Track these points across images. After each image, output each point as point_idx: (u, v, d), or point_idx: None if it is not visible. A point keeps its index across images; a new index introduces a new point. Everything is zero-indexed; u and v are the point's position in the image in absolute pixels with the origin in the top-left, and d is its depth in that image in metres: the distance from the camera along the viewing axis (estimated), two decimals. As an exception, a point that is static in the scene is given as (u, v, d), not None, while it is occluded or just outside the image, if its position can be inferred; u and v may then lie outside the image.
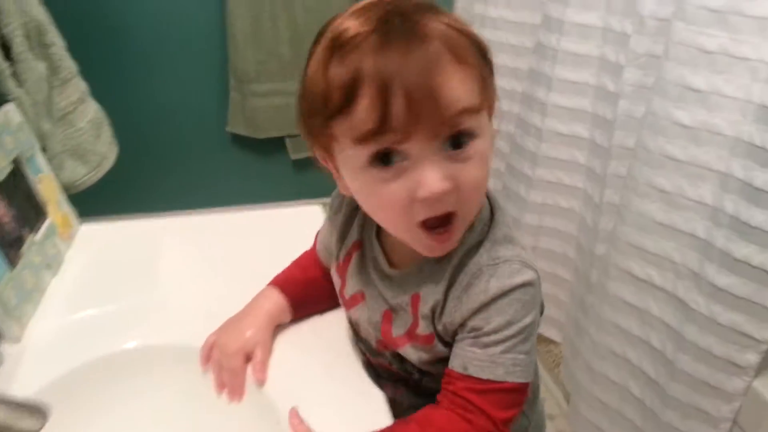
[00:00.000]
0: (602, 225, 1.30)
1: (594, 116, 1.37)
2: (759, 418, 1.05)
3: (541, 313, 0.63)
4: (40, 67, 0.85)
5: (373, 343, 0.68)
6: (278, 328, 0.72)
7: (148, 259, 0.82)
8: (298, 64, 1.92)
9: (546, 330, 1.65)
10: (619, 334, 1.25)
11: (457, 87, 0.50)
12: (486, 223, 0.61)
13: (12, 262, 0.69)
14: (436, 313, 0.60)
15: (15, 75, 0.81)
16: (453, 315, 0.59)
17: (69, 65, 0.94)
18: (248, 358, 0.68)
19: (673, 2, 1.06)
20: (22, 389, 0.61)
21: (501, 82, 1.64)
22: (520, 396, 0.59)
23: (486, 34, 1.64)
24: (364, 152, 0.51)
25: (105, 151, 0.98)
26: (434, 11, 0.54)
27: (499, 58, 1.45)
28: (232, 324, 0.70)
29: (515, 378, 0.57)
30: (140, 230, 0.88)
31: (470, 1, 1.68)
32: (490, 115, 0.57)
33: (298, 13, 1.81)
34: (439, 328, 0.61)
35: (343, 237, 0.67)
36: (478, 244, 0.60)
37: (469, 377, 0.57)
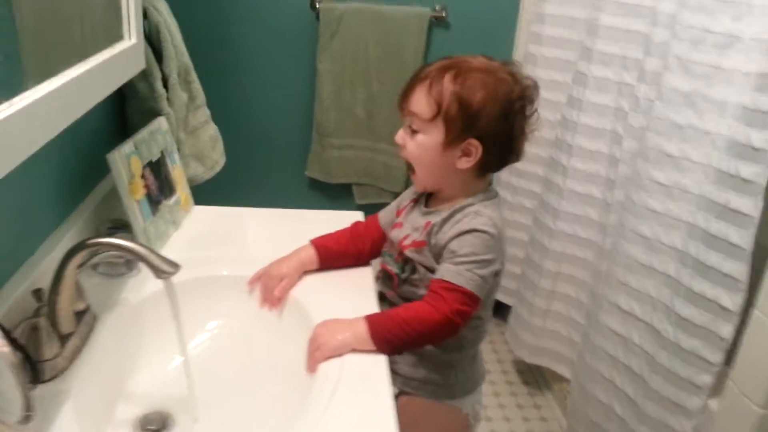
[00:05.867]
0: (604, 267, 1.54)
1: (606, 179, 1.63)
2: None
3: (501, 268, 0.97)
4: (183, 96, 1.23)
5: (392, 253, 1.04)
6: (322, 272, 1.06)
7: (236, 229, 1.20)
8: (369, 125, 2.28)
9: (559, 368, 1.86)
10: (607, 359, 1.46)
11: (413, 102, 0.95)
12: (481, 199, 0.98)
13: (153, 212, 1.04)
14: (432, 231, 0.97)
15: (168, 99, 1.19)
16: (443, 237, 0.95)
17: (201, 97, 1.33)
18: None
19: (656, 87, 1.34)
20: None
21: (536, 149, 1.95)
22: (471, 301, 0.91)
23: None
24: None
25: (217, 158, 1.34)
26: (466, 74, 0.93)
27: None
28: (276, 261, 1.04)
29: (471, 288, 0.91)
30: (233, 213, 1.26)
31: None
32: (449, 133, 0.93)
33: (373, 83, 2.19)
34: (432, 242, 0.97)
35: (408, 197, 1.08)
36: (471, 205, 0.97)
37: (443, 281, 0.92)
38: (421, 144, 0.96)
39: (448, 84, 0.92)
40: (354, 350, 0.87)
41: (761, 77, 1.14)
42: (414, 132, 0.96)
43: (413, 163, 0.99)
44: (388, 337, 0.88)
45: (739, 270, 1.16)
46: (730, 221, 1.18)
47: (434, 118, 0.93)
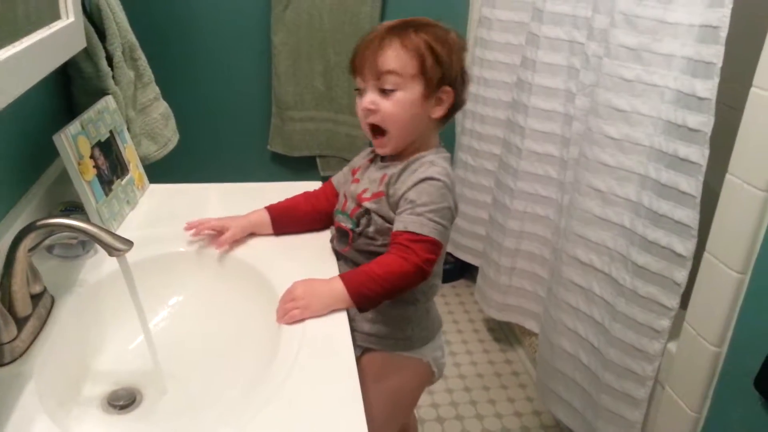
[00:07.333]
0: (563, 223, 1.57)
1: (562, 137, 1.66)
2: (669, 374, 1.28)
3: (453, 216, 1.00)
4: (130, 74, 1.21)
5: (346, 209, 1.05)
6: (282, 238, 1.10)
7: (194, 206, 1.18)
8: (328, 96, 2.26)
9: (527, 323, 1.90)
10: (570, 311, 1.50)
11: (389, 60, 0.94)
12: (434, 153, 1.02)
13: (106, 193, 1.03)
14: (390, 182, 0.99)
15: (114, 77, 1.17)
16: (401, 187, 0.97)
17: (149, 74, 1.30)
18: (221, 234, 1.04)
19: (604, 44, 1.36)
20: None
21: (494, 112, 1.96)
22: (437, 249, 0.95)
23: (485, 74, 1.96)
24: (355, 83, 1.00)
25: (170, 136, 1.33)
26: (424, 28, 0.97)
27: (494, 94, 1.83)
28: (225, 217, 1.07)
29: (435, 236, 0.94)
30: (192, 190, 1.26)
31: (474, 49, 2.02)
32: (428, 85, 0.97)
33: (329, 54, 2.17)
34: (390, 192, 0.99)
35: (362, 158, 1.11)
36: (425, 157, 1.00)
37: (408, 232, 0.93)
38: (400, 101, 0.96)
39: (416, 38, 0.96)
40: (332, 310, 0.91)
41: (704, 29, 1.16)
42: (388, 92, 0.96)
43: (388, 124, 0.98)
44: (366, 293, 0.92)
45: (690, 216, 1.20)
46: (680, 170, 1.21)
47: (416, 72, 0.95)
